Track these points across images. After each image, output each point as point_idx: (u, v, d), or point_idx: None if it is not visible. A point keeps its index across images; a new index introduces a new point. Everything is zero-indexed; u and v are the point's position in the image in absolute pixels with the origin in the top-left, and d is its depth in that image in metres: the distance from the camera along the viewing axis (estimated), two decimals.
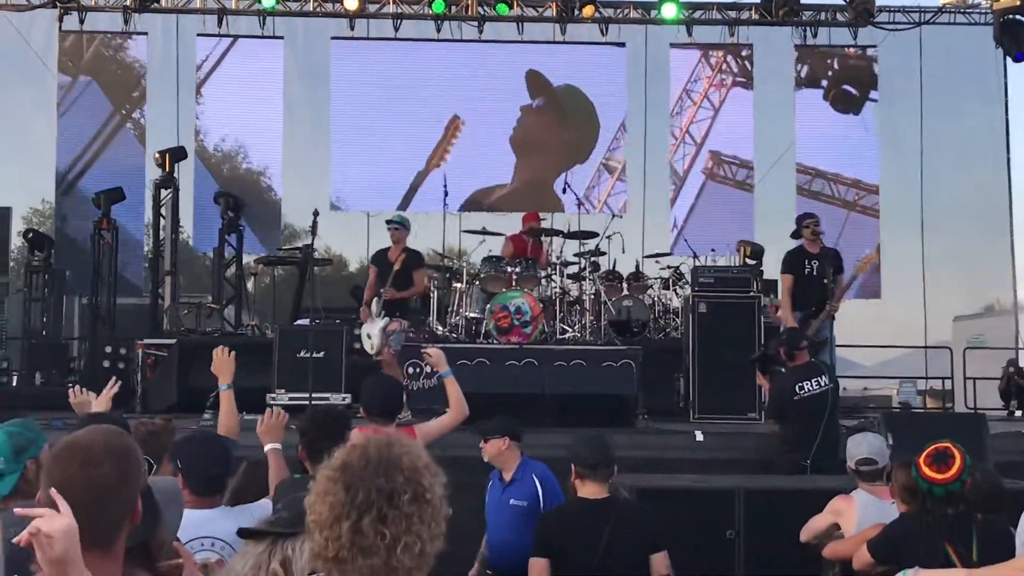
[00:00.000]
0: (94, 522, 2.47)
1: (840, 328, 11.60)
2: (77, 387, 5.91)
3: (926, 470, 4.72)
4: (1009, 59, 17.15)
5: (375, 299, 11.29)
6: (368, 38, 17.45)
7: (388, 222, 11.87)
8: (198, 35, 17.29)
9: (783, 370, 9.16)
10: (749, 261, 15.06)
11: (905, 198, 18.17)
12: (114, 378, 5.96)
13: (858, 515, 5.74)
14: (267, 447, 5.08)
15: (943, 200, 18.33)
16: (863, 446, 5.95)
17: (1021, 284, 19.13)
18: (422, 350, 7.50)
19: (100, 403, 5.57)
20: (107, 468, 2.54)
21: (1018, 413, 15.64)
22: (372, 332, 11.06)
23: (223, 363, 5.63)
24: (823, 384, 8.48)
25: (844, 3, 16.68)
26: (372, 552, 2.24)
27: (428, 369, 11.41)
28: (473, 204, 17.11)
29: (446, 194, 13.66)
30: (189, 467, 4.44)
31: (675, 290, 14.45)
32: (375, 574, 2.25)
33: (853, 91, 18.23)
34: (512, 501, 6.34)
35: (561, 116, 18.07)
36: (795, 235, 11.35)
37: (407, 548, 2.25)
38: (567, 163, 17.64)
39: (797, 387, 8.51)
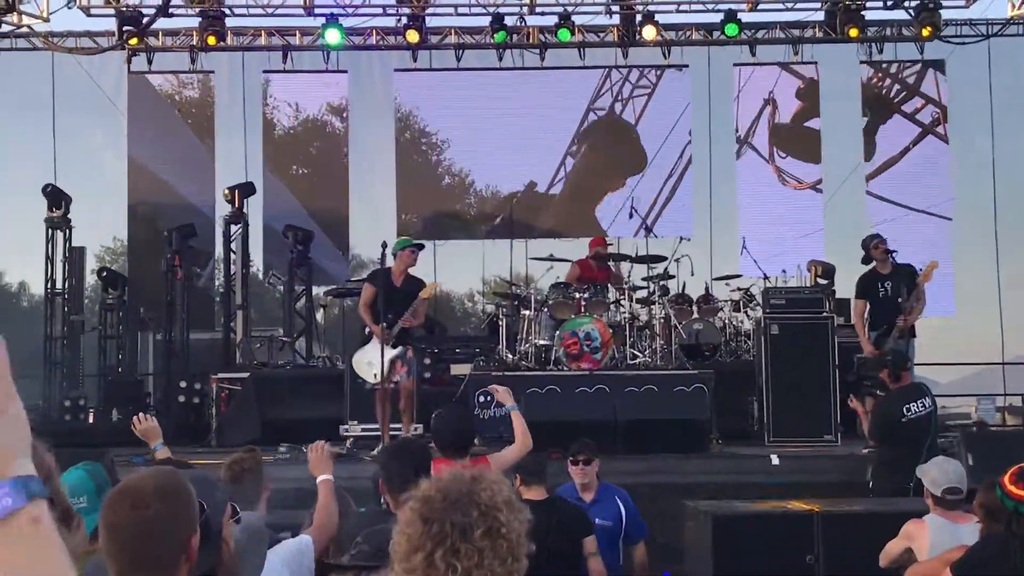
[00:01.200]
0: (146, 562, 2.54)
1: (916, 346, 11.41)
2: (140, 414, 5.99)
3: (1012, 488, 4.60)
4: None
5: (392, 326, 10.61)
6: (431, 69, 17.56)
7: (416, 245, 11.21)
8: (264, 71, 17.51)
9: (880, 392, 9.04)
10: (821, 281, 14.90)
11: (978, 211, 17.86)
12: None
13: (930, 539, 5.66)
14: (318, 479, 5.07)
15: (1017, 213, 18.00)
16: (950, 474, 5.84)
17: None
18: (489, 386, 7.52)
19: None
20: (155, 510, 2.58)
21: None
22: (377, 360, 10.50)
23: (320, 460, 5.20)
24: (927, 406, 8.37)
25: (910, 18, 16.47)
26: None
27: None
28: (526, 230, 16.94)
29: (512, 222, 13.67)
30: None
31: (746, 312, 14.33)
32: None
33: (922, 108, 17.99)
34: (598, 521, 6.48)
35: (607, 143, 18.03)
36: (865, 260, 11.21)
37: None
38: (613, 187, 17.65)
39: (904, 409, 8.41)
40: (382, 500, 5.03)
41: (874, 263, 10.97)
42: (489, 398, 11.28)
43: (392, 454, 5.04)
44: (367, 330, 10.88)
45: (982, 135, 17.73)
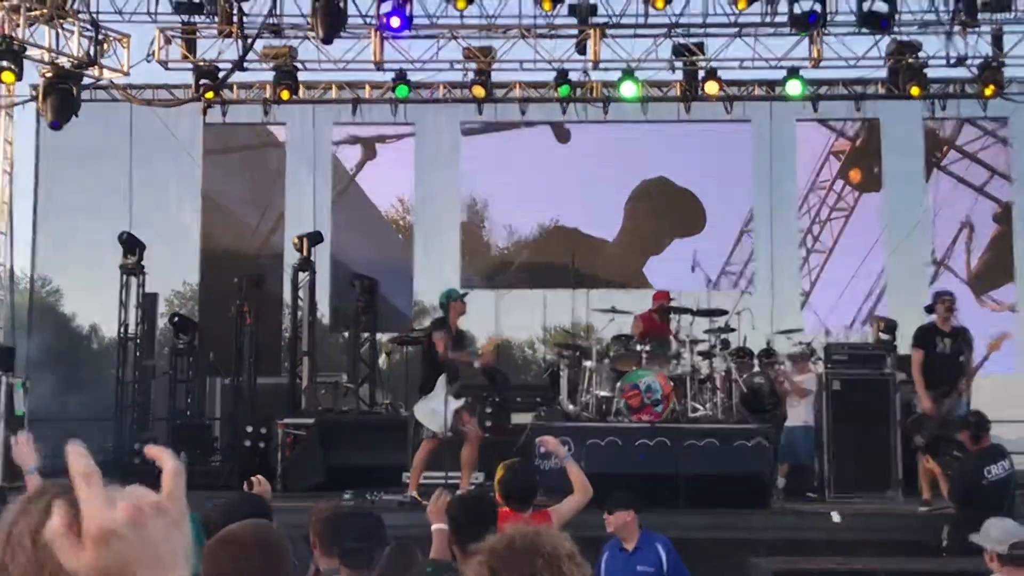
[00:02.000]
0: None
1: (977, 403, 11.38)
2: (258, 477, 5.90)
3: None
4: None
5: (454, 377, 10.92)
6: (496, 122, 17.87)
7: (463, 295, 11.53)
8: (334, 123, 17.92)
9: (960, 453, 9.08)
10: (883, 336, 14.90)
11: None
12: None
13: None
14: (434, 527, 5.20)
15: None
16: (1011, 531, 5.90)
17: None
18: (538, 439, 7.68)
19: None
20: (256, 561, 2.73)
21: None
22: (441, 410, 10.70)
23: (441, 508, 5.28)
24: (1007, 468, 8.42)
25: (973, 75, 16.53)
26: None
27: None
28: (587, 280, 17.08)
29: (575, 273, 13.83)
30: (339, 541, 4.74)
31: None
32: None
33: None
34: (639, 568, 6.70)
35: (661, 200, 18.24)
36: (929, 309, 11.23)
37: None
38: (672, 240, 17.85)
39: (985, 471, 8.46)
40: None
41: (935, 317, 10.96)
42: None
43: (463, 507, 5.18)
44: (442, 377, 11.00)
45: None
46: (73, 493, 1.29)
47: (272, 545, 2.86)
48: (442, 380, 10.76)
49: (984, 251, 18.07)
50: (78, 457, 1.29)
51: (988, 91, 16.31)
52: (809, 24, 15.11)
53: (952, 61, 16.22)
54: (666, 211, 18.29)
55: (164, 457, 1.38)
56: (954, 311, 11.00)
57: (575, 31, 16.32)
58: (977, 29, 16.08)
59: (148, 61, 16.00)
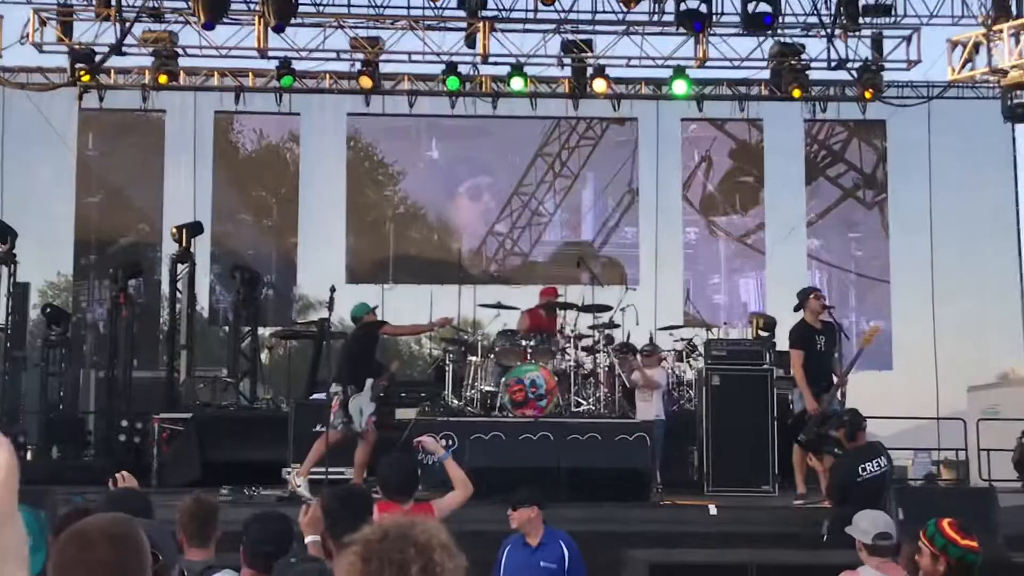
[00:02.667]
0: None
1: (852, 401, 11.59)
2: (123, 473, 5.44)
3: (956, 536, 4.77)
4: (1018, 131, 17.41)
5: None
6: (384, 114, 17.72)
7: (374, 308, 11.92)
8: (216, 112, 17.56)
9: (840, 451, 9.20)
10: (762, 333, 15.14)
11: (916, 269, 18.24)
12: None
13: None
14: (307, 540, 5.09)
15: (954, 271, 18.41)
16: (878, 522, 5.99)
17: None
18: (415, 440, 7.61)
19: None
20: (103, 553, 2.61)
21: None
22: (367, 410, 10.99)
23: (314, 520, 5.10)
24: (882, 465, 8.55)
25: (853, 78, 16.89)
26: None
27: (445, 443, 11.48)
28: (474, 277, 17.01)
29: (461, 268, 13.77)
30: (250, 543, 4.69)
31: (688, 362, 14.51)
32: None
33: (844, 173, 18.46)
34: (543, 563, 6.72)
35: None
36: (798, 308, 11.32)
37: None
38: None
39: (860, 468, 8.58)
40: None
41: (806, 315, 11.05)
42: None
43: (338, 500, 5.06)
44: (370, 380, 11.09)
45: (920, 194, 18.15)
46: None
47: (122, 537, 2.72)
48: (370, 382, 10.94)
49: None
50: None
51: (868, 94, 16.68)
52: (764, 25, 15.30)
53: (833, 64, 16.54)
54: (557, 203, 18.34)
55: None
56: (828, 307, 11.18)
57: (464, 24, 16.26)
58: (858, 33, 16.44)
59: (22, 43, 15.51)
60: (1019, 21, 15.74)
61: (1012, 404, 19.14)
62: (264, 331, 16.74)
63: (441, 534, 2.50)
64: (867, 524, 5.99)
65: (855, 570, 5.94)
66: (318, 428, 11.17)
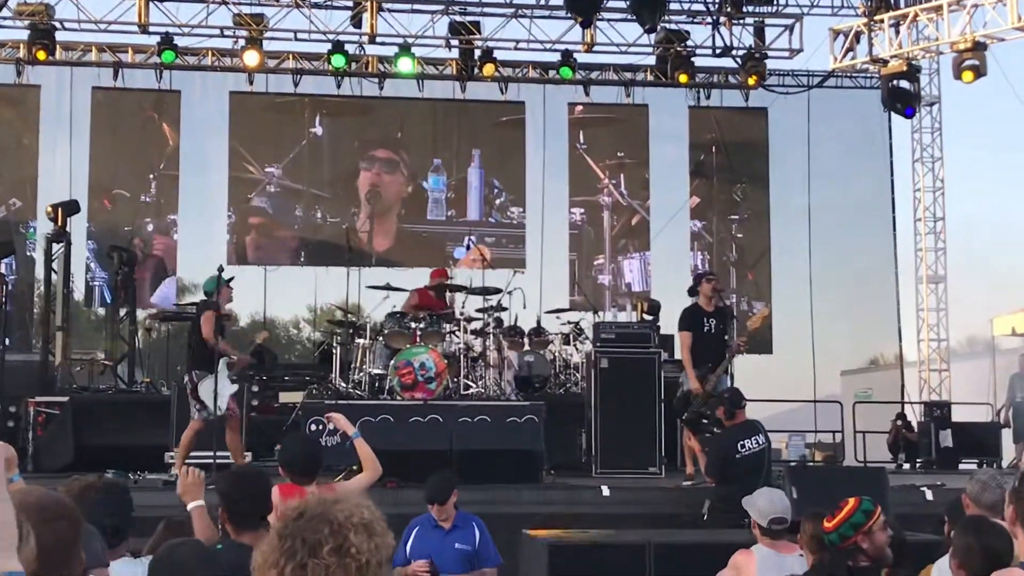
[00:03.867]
0: None
1: (734, 383, 11.78)
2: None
3: (824, 523, 4.88)
4: (894, 122, 17.89)
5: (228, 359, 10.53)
6: (267, 93, 17.42)
7: (230, 280, 10.93)
8: (93, 88, 17.05)
9: (719, 430, 9.33)
10: (646, 316, 15.29)
11: (794, 255, 18.64)
12: None
13: (758, 569, 5.86)
14: (190, 506, 4.96)
15: (831, 257, 18.87)
16: (776, 504, 6.08)
17: (905, 340, 19.75)
18: (325, 414, 7.47)
19: None
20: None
21: (906, 466, 16.07)
22: (224, 392, 10.38)
23: (191, 485, 5.02)
24: (760, 443, 8.68)
25: (736, 66, 17.16)
26: None
27: (332, 426, 11.34)
28: (361, 258, 16.78)
29: (350, 249, 13.60)
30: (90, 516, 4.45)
31: (575, 345, 14.59)
32: None
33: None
34: (458, 545, 6.69)
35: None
36: (692, 292, 11.49)
37: None
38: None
39: (739, 446, 8.72)
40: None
41: (697, 299, 11.23)
42: (322, 426, 11.23)
43: (233, 481, 4.94)
44: (224, 360, 10.57)
45: (799, 181, 18.56)
46: None
47: (65, 506, 2.69)
48: (223, 362, 10.42)
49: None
50: None
51: (751, 81, 16.97)
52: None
53: (718, 51, 16.78)
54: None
55: None
56: (720, 290, 11.35)
57: (351, 3, 16.06)
58: (742, 21, 16.70)
59: None
60: (899, 11, 16.17)
61: (882, 388, 19.77)
62: (142, 313, 16.33)
63: (363, 512, 2.45)
64: (764, 505, 6.08)
65: (750, 549, 6.04)
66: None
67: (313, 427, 11.22)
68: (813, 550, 5.21)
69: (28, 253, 16.91)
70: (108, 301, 15.96)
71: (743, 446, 8.71)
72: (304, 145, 17.79)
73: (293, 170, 17.78)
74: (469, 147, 18.16)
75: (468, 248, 14.62)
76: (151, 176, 17.53)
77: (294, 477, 5.83)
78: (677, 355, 14.99)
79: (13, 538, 1.23)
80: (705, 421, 10.27)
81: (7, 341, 14.98)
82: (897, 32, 16.32)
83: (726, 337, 11.00)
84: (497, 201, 18.27)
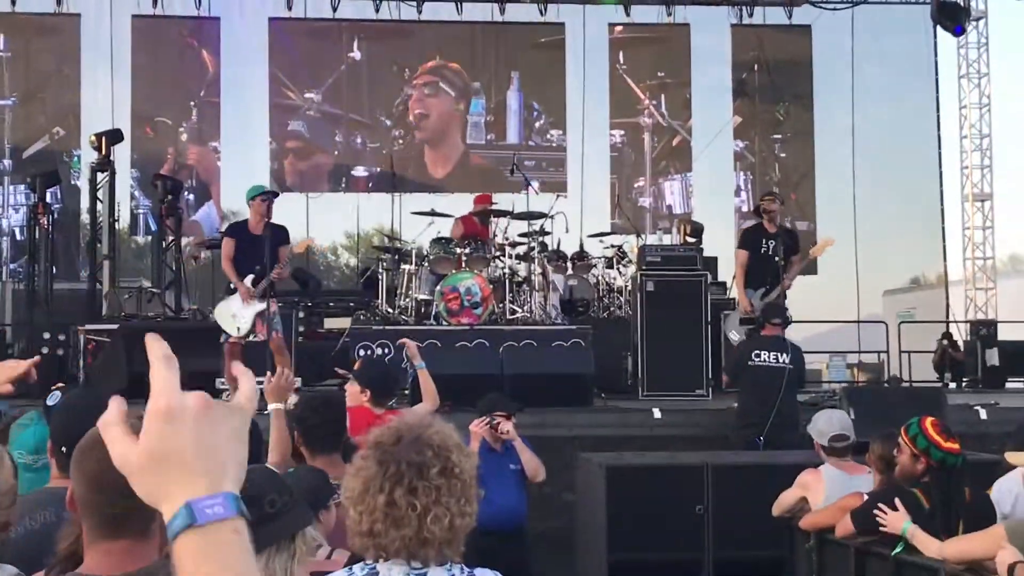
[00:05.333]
0: (129, 521, 2.45)
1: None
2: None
3: (939, 439, 4.84)
4: (939, 38, 17.55)
5: (260, 280, 10.21)
6: (305, 18, 17.31)
7: (269, 192, 10.64)
8: (133, 16, 16.99)
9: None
10: (689, 239, 15.21)
11: (838, 175, 18.46)
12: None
13: (826, 489, 5.88)
14: (271, 407, 4.96)
15: (875, 176, 18.66)
16: (835, 423, 6.09)
17: (950, 258, 19.59)
18: (399, 341, 7.40)
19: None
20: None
21: (952, 385, 16.01)
22: (242, 313, 10.18)
23: (279, 387, 5.00)
24: (781, 360, 8.65)
25: None
26: (404, 523, 2.33)
27: (380, 352, 11.42)
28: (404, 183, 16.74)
29: (394, 175, 13.57)
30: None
31: (618, 269, 14.55)
32: (408, 546, 2.35)
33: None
34: (511, 466, 6.65)
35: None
36: (756, 211, 11.42)
37: (437, 520, 2.34)
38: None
39: (754, 354, 8.77)
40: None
41: (761, 219, 11.14)
42: (370, 351, 11.31)
43: (311, 407, 4.97)
44: (231, 284, 10.58)
45: (843, 100, 18.30)
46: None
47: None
48: (246, 281, 10.37)
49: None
50: (157, 342, 1.33)
51: None
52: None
53: None
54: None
55: (243, 377, 1.42)
56: (776, 205, 11.26)
57: None
58: None
59: None
60: None
61: (925, 307, 19.65)
62: (187, 240, 16.42)
63: (453, 435, 2.49)
64: (823, 424, 6.08)
65: (817, 469, 6.05)
66: (252, 338, 10.91)
67: (361, 352, 11.31)
68: (881, 470, 5.21)
69: (72, 182, 16.99)
70: (153, 229, 16.03)
71: (759, 356, 8.74)
72: (343, 70, 17.69)
73: (332, 95, 17.71)
74: (508, 70, 18.02)
75: (512, 173, 14.44)
76: (192, 104, 17.51)
77: (376, 398, 5.89)
78: (722, 277, 15.06)
79: (243, 470, 1.30)
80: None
81: (54, 270, 15.14)
82: None
83: (777, 259, 10.91)
84: (537, 124, 18.16)
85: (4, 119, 16.98)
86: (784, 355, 8.72)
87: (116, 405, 1.31)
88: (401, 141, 17.76)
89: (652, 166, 18.38)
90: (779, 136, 18.60)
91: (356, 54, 17.69)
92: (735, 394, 9.47)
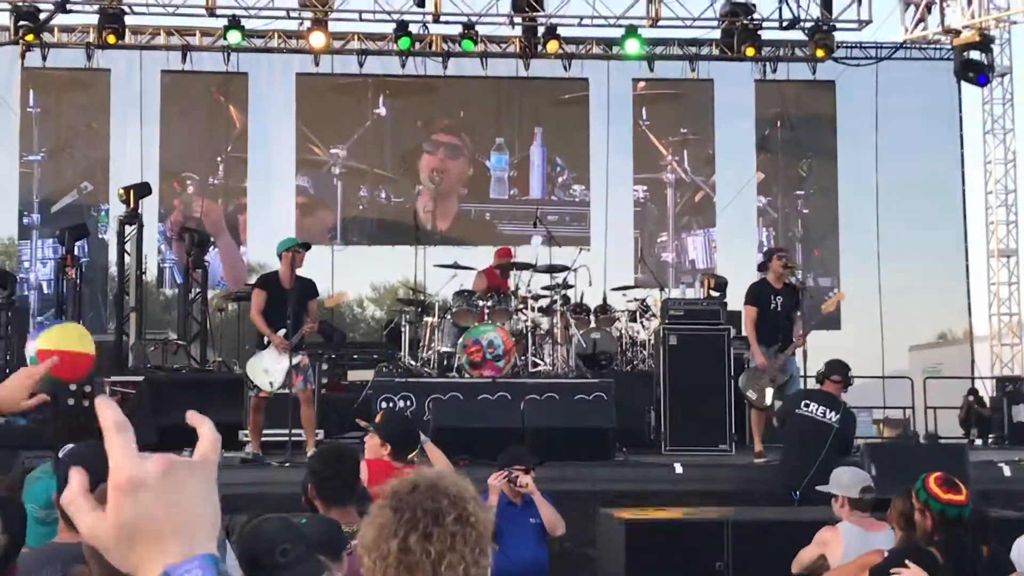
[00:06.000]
0: None
1: (801, 359, 11.68)
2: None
3: (939, 491, 4.81)
4: (967, 93, 17.61)
5: (293, 333, 10.12)
6: (332, 74, 17.51)
7: (301, 244, 10.59)
8: (162, 71, 17.23)
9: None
10: (713, 293, 15.21)
11: (862, 230, 18.43)
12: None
13: (844, 545, 5.84)
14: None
15: (899, 231, 18.62)
16: (861, 475, 6.07)
17: (976, 314, 19.49)
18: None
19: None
20: None
21: (978, 442, 15.88)
22: (274, 368, 10.16)
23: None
24: (829, 418, 8.61)
25: (805, 38, 16.96)
26: (418, 569, 2.31)
27: (402, 404, 11.43)
28: (427, 236, 16.77)
29: (417, 228, 13.66)
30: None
31: (641, 322, 14.55)
32: None
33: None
34: (531, 520, 6.61)
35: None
36: (762, 267, 11.41)
37: (451, 567, 2.33)
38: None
39: (803, 403, 8.77)
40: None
41: (767, 275, 11.12)
42: (392, 404, 11.33)
43: (325, 460, 5.01)
44: (266, 338, 10.59)
45: (867, 155, 18.31)
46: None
47: None
48: (282, 332, 10.40)
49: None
50: (108, 408, 1.29)
51: (820, 53, 16.76)
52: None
53: (785, 24, 16.59)
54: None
55: (201, 425, 1.35)
56: (790, 267, 11.25)
57: None
58: None
59: None
60: None
61: (952, 363, 19.53)
62: (213, 293, 16.55)
63: (470, 487, 2.49)
64: (849, 478, 6.05)
65: (835, 526, 6.01)
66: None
67: (384, 405, 11.33)
68: (902, 527, 5.18)
69: (100, 236, 17.16)
70: (179, 282, 16.16)
71: (808, 407, 8.71)
72: (368, 126, 17.86)
73: (357, 151, 17.87)
74: (531, 125, 18.14)
75: (535, 225, 14.47)
76: (219, 159, 17.70)
77: (395, 452, 5.90)
78: (744, 331, 15.03)
79: (219, 526, 1.30)
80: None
81: (81, 321, 15.27)
82: (969, 2, 16.03)
83: (794, 315, 10.89)
84: (560, 179, 18.26)
85: (33, 173, 17.19)
86: (833, 413, 8.68)
87: (78, 478, 1.27)
88: (420, 194, 17.88)
89: (675, 221, 18.42)
90: (802, 192, 18.63)
91: (381, 110, 17.85)
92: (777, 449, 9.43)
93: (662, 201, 18.41)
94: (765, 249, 11.92)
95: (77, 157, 17.34)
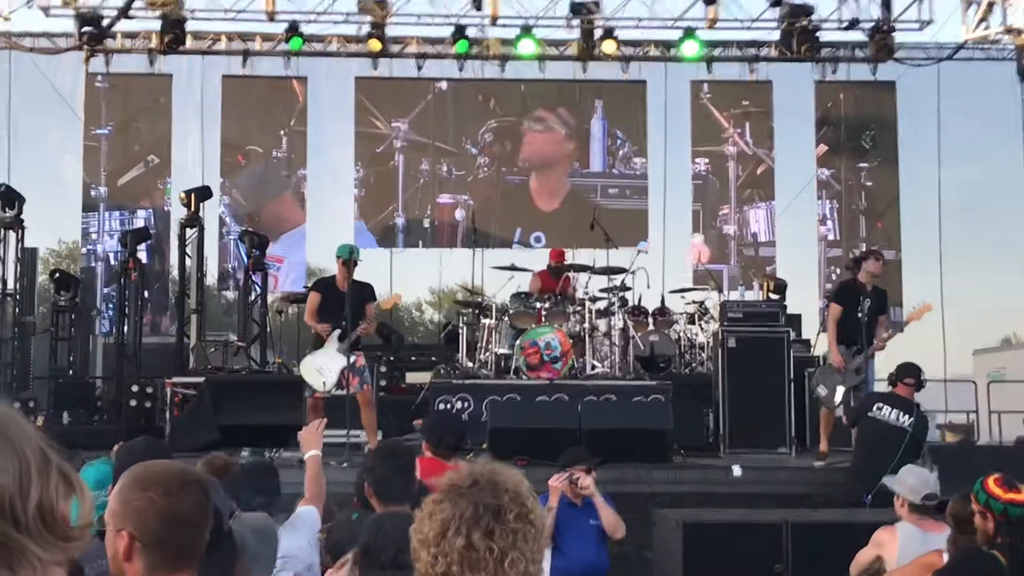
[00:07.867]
0: (190, 551, 2.58)
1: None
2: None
3: (999, 491, 4.74)
4: None
5: (345, 335, 10.29)
6: (391, 78, 17.59)
7: (354, 252, 10.78)
8: (223, 76, 17.41)
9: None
10: (772, 296, 15.12)
11: (924, 232, 18.21)
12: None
13: (900, 546, 5.78)
14: (308, 455, 5.18)
15: (961, 234, 18.38)
16: (928, 480, 6.01)
17: None
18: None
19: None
20: (205, 499, 2.64)
21: None
22: (328, 368, 10.31)
23: (312, 436, 5.42)
24: (902, 422, 8.54)
25: (865, 39, 16.80)
26: (481, 567, 2.28)
27: (459, 405, 11.48)
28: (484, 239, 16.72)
29: (475, 231, 13.68)
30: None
31: (700, 325, 14.50)
32: None
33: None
34: (592, 522, 6.62)
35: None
36: (855, 264, 11.26)
37: (514, 564, 2.30)
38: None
39: (876, 405, 8.72)
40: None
41: (857, 275, 10.96)
42: (450, 406, 11.38)
43: (382, 459, 5.03)
44: (326, 339, 10.68)
45: (929, 157, 18.08)
46: None
47: (211, 486, 2.74)
48: (333, 336, 10.50)
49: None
50: None
51: (880, 55, 16.57)
52: None
53: (844, 25, 16.43)
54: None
55: None
56: (882, 265, 11.11)
57: None
58: None
59: (28, 7, 15.40)
60: None
61: (1017, 367, 19.22)
62: (273, 296, 16.70)
63: (525, 481, 2.48)
64: (915, 481, 5.99)
65: (893, 526, 5.95)
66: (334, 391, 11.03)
67: (441, 406, 11.38)
68: (964, 531, 5.11)
69: (165, 208, 17.36)
70: (239, 284, 16.33)
71: (880, 409, 8.65)
72: (429, 100, 17.81)
73: (419, 124, 17.87)
74: (592, 98, 18.07)
75: (592, 228, 14.41)
76: (282, 132, 17.76)
77: (439, 451, 5.93)
78: (805, 334, 14.90)
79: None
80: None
81: (144, 323, 15.50)
82: None
83: (881, 316, 10.78)
84: (620, 152, 18.17)
85: (100, 147, 17.41)
86: (907, 416, 8.60)
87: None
88: (487, 169, 17.86)
89: (736, 194, 18.26)
90: (865, 164, 18.36)
91: (443, 84, 17.86)
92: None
93: (723, 174, 18.25)
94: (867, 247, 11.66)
95: (143, 131, 17.48)
